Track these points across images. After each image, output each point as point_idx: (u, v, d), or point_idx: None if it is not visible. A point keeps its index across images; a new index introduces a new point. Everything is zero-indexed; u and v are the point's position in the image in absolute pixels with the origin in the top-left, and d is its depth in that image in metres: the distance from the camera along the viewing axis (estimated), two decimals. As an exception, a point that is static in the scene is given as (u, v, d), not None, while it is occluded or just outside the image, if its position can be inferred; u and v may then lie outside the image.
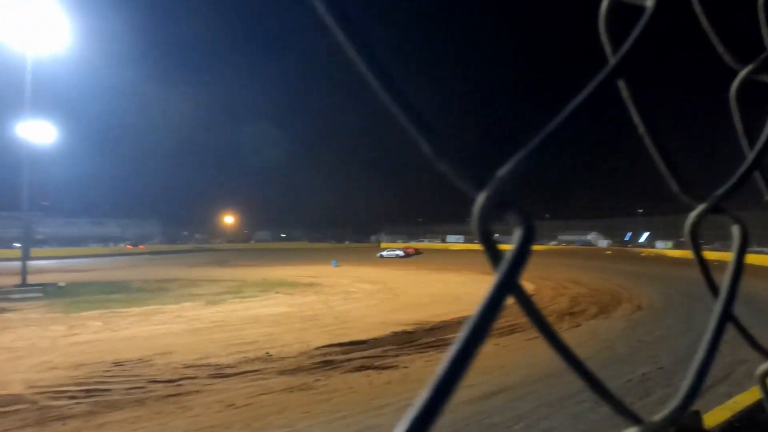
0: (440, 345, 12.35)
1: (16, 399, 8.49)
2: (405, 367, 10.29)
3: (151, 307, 19.19)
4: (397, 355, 11.30)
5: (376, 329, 14.28)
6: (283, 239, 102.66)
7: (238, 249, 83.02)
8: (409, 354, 11.47)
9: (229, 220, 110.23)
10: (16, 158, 34.90)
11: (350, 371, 10.05)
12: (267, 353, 11.55)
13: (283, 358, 11.25)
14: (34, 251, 44.58)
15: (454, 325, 14.99)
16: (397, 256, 57.25)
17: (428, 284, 27.10)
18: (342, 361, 10.81)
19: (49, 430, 7.14)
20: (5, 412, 7.86)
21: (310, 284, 27.33)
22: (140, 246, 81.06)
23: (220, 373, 9.98)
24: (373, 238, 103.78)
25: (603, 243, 76.64)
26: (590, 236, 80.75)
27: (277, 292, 23.83)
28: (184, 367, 10.39)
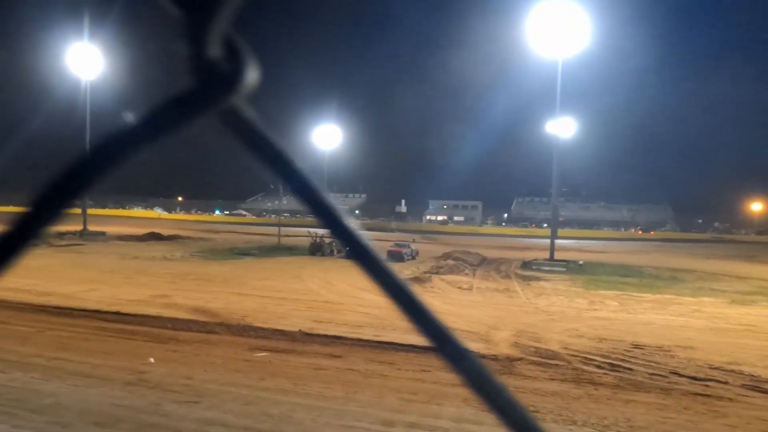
0: None
1: (554, 355, 10.12)
2: None
3: (666, 296, 18.60)
4: None
5: None
6: None
7: (770, 243, 68.35)
8: None
9: (756, 207, 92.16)
10: (546, 151, 41.30)
11: None
12: (829, 380, 9.01)
13: None
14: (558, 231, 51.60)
15: None
16: None
17: None
18: None
19: (584, 389, 8.13)
20: (548, 364, 9.50)
21: None
22: (651, 232, 79.77)
23: (757, 386, 8.56)
24: None
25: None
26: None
27: (842, 304, 18.16)
28: (710, 368, 9.51)
